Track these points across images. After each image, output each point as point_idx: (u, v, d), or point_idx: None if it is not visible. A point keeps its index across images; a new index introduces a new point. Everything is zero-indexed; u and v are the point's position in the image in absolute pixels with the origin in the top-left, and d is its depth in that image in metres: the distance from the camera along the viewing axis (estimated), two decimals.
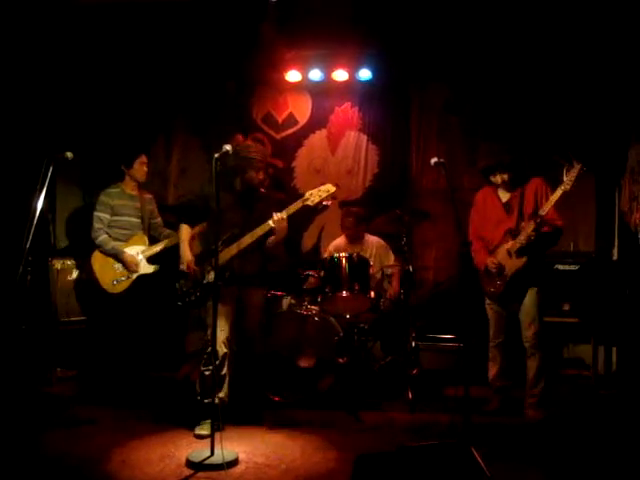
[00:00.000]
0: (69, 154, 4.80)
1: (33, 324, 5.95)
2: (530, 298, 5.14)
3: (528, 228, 4.98)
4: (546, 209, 4.90)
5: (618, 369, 6.30)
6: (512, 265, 5.10)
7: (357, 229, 6.53)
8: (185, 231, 5.30)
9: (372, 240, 6.59)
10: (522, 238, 5.01)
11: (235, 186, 5.13)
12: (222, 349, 4.90)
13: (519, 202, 5.19)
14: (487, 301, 5.40)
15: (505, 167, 5.18)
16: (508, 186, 5.27)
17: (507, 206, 5.27)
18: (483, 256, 5.32)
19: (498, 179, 5.26)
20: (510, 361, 5.36)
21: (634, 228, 6.16)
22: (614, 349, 6.38)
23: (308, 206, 5.00)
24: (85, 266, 6.14)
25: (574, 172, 4.76)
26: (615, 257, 6.58)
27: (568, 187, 4.78)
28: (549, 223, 4.99)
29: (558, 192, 4.83)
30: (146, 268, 6.10)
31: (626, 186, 6.36)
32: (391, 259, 6.49)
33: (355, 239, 6.54)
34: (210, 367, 4.69)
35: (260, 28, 6.53)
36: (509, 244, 5.13)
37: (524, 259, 5.04)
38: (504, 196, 5.32)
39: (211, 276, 4.95)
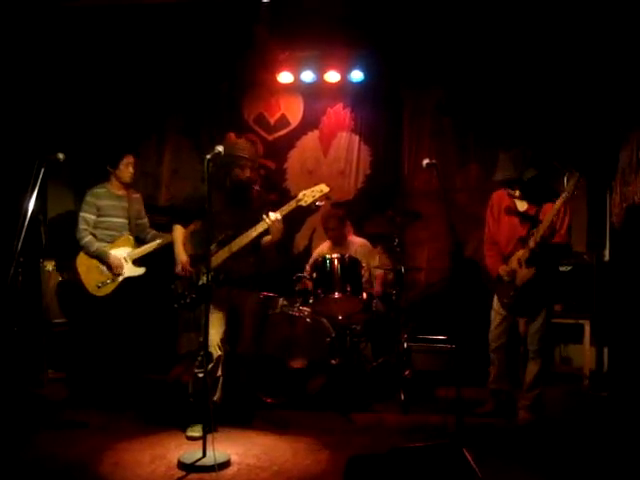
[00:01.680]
0: (61, 155, 4.77)
1: (25, 326, 5.93)
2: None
3: (537, 235, 4.93)
4: (550, 217, 4.86)
5: (609, 370, 6.31)
6: (522, 275, 5.05)
7: (341, 230, 6.52)
8: (179, 232, 5.27)
9: (356, 241, 6.58)
10: (530, 245, 4.97)
11: (226, 185, 5.10)
12: (216, 351, 4.90)
13: (535, 213, 5.11)
14: (494, 306, 5.36)
15: (526, 182, 5.08)
16: (526, 198, 5.18)
17: (523, 216, 5.17)
18: (496, 263, 5.28)
19: (516, 192, 5.18)
20: (510, 365, 5.36)
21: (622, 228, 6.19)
22: (605, 349, 6.39)
23: (302, 206, 4.99)
24: (70, 268, 6.01)
25: (573, 181, 4.78)
26: (607, 258, 6.59)
27: (569, 195, 4.80)
28: (559, 237, 4.98)
29: (559, 202, 4.84)
30: (132, 270, 5.96)
31: (617, 188, 6.38)
32: (376, 260, 6.48)
33: (339, 242, 6.53)
34: (203, 369, 4.69)
35: (253, 29, 6.53)
36: (520, 252, 5.07)
37: (532, 269, 4.99)
38: (521, 205, 5.22)
39: (206, 278, 4.94)
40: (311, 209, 6.56)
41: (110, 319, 5.85)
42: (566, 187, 4.85)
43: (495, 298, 5.35)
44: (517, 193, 5.18)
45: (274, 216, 4.91)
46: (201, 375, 4.77)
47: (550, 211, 4.90)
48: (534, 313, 5.11)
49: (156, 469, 4.16)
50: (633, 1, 5.69)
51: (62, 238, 6.69)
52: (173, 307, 5.16)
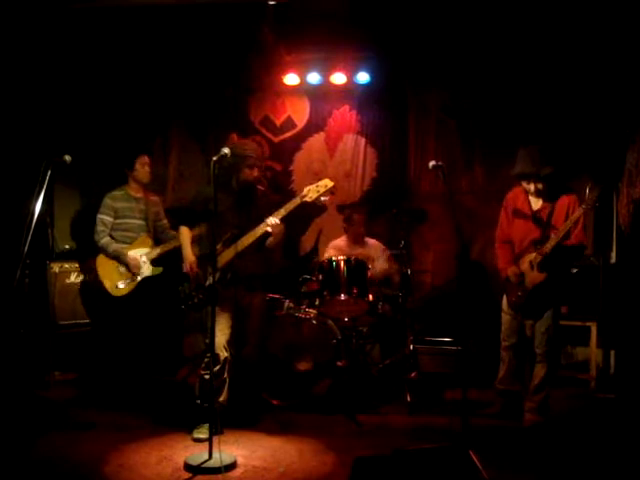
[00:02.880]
0: (67, 157, 4.80)
1: (31, 328, 5.95)
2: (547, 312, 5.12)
3: (551, 241, 4.94)
4: (567, 227, 4.88)
5: (616, 372, 6.30)
6: (533, 278, 5.05)
7: (364, 229, 6.54)
8: (185, 233, 5.30)
9: (372, 243, 6.60)
10: (544, 250, 4.96)
11: (232, 185, 5.11)
12: (223, 353, 4.91)
13: (548, 214, 5.11)
14: (503, 307, 5.36)
15: (542, 178, 5.06)
16: (541, 195, 5.17)
17: (537, 216, 5.17)
18: (507, 264, 5.27)
19: (532, 187, 5.15)
20: (521, 366, 5.35)
21: (630, 230, 6.17)
22: (612, 352, 6.38)
23: (306, 202, 4.95)
24: (90, 269, 6.18)
25: (594, 193, 4.80)
26: (613, 260, 6.58)
27: (588, 207, 4.83)
28: (574, 238, 4.98)
29: (578, 212, 4.86)
30: (150, 270, 6.10)
31: (624, 189, 6.37)
32: (390, 263, 6.48)
33: (358, 240, 6.55)
34: (209, 371, 4.70)
35: (258, 32, 6.54)
36: (532, 255, 5.06)
37: (544, 274, 4.99)
38: (535, 204, 5.20)
39: (212, 278, 4.95)
40: (317, 208, 6.66)
41: (129, 319, 5.99)
42: (587, 198, 4.85)
43: (504, 298, 5.34)
44: (532, 188, 5.14)
45: (272, 220, 4.90)
46: (207, 377, 4.78)
47: (567, 221, 4.90)
48: (540, 314, 5.10)
49: (162, 471, 4.16)
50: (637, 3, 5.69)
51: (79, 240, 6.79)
52: (180, 308, 5.18)
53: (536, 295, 5.06)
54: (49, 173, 4.64)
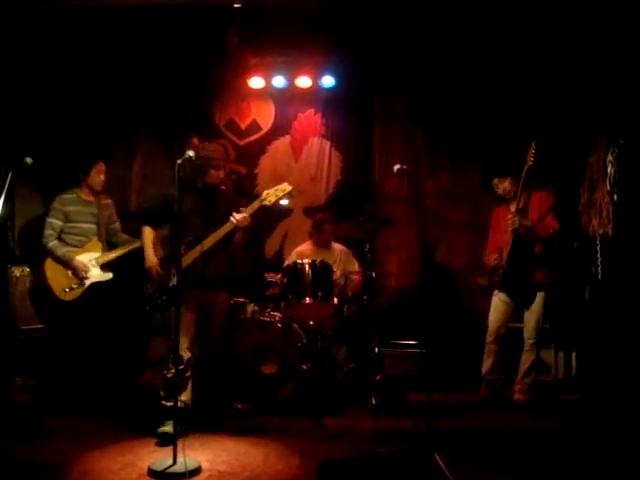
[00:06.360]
0: (29, 160, 4.73)
1: None
2: (539, 298, 5.58)
3: (517, 218, 5.51)
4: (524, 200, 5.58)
5: (578, 374, 6.37)
6: (505, 253, 5.60)
7: (331, 235, 6.55)
8: (148, 234, 5.25)
9: (337, 247, 6.61)
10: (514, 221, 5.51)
11: (197, 187, 5.09)
12: (186, 354, 4.89)
13: (524, 207, 5.62)
14: (495, 293, 5.77)
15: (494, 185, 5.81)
16: (512, 196, 5.69)
17: (518, 213, 5.60)
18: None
19: (500, 190, 5.77)
20: (505, 356, 5.70)
21: (592, 234, 6.27)
22: (574, 354, 6.45)
23: (265, 206, 5.00)
24: (38, 273, 6.03)
25: (530, 150, 5.45)
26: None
27: (530, 164, 5.42)
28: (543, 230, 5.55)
29: (523, 174, 5.48)
30: (99, 275, 5.98)
31: (585, 194, 6.45)
32: (355, 266, 6.50)
33: (325, 245, 6.56)
34: (172, 370, 4.68)
35: (224, 35, 6.52)
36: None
37: (510, 245, 5.53)
38: (513, 205, 5.72)
39: (176, 280, 4.92)
40: (282, 211, 6.67)
41: (80, 324, 5.87)
42: (527, 158, 5.44)
43: (495, 293, 5.76)
44: (501, 191, 5.80)
45: (240, 215, 4.91)
46: (170, 376, 4.77)
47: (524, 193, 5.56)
48: (528, 296, 5.60)
49: (127, 477, 4.11)
50: (597, 8, 5.77)
51: (32, 243, 6.66)
52: (144, 310, 5.15)
53: (512, 268, 5.55)
54: (10, 176, 4.57)
